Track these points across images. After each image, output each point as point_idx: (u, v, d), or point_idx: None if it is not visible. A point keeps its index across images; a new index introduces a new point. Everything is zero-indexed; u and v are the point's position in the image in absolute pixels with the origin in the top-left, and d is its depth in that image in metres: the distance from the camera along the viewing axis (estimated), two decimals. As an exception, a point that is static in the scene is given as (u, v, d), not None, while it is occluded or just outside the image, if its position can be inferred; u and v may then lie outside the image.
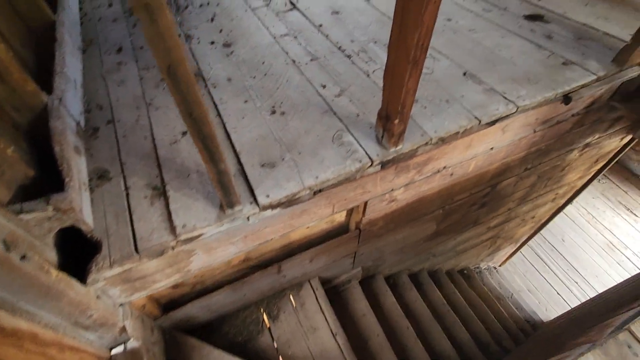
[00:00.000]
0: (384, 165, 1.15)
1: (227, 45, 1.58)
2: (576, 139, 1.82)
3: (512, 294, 3.39)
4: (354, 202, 1.26)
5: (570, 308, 3.58)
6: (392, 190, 1.32)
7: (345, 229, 1.52)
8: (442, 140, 1.21)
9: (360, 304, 1.79)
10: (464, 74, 1.42)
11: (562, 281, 4.04)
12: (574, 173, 2.34)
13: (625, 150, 2.42)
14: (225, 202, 0.95)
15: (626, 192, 4.96)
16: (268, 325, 1.54)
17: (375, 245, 1.73)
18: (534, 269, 4.12)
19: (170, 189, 1.03)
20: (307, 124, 1.22)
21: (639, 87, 1.63)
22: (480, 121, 1.24)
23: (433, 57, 1.51)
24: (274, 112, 1.27)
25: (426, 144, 1.18)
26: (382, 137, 1.15)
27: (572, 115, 1.57)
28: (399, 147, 1.14)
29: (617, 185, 4.99)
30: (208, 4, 1.86)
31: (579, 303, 3.51)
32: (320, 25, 1.71)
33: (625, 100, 1.65)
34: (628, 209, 4.79)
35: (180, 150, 1.14)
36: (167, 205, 0.99)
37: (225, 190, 0.91)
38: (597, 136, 1.94)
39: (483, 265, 3.42)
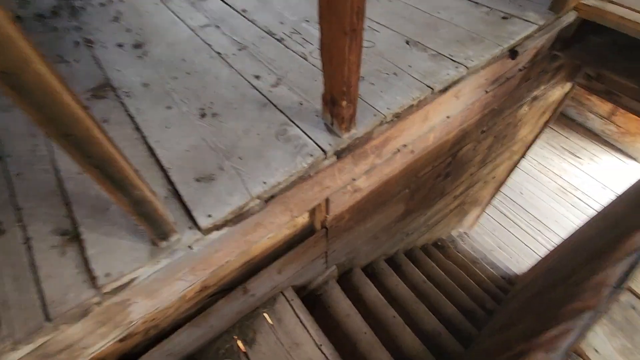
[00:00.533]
0: (339, 155, 1.01)
1: (138, 45, 1.35)
2: (524, 93, 1.80)
3: (485, 255, 3.47)
4: (314, 202, 1.12)
5: (539, 257, 3.73)
6: (353, 180, 1.20)
7: (310, 230, 1.38)
8: (398, 117, 1.10)
9: (342, 304, 1.67)
10: (407, 42, 1.32)
11: (527, 232, 4.21)
12: (526, 128, 2.37)
13: (567, 98, 2.49)
14: (156, 234, 0.77)
15: (568, 138, 5.26)
16: (244, 351, 1.38)
17: (346, 240, 1.61)
18: (500, 225, 4.26)
19: (85, 231, 0.83)
20: (245, 123, 1.05)
21: (575, 33, 1.62)
22: (433, 89, 1.14)
23: (372, 28, 1.40)
24: (204, 115, 1.09)
25: (381, 123, 1.06)
26: (332, 124, 1.01)
27: (519, 70, 1.53)
28: (352, 133, 1.01)
29: (559, 133, 5.29)
30: (111, 1, 1.60)
31: (547, 250, 3.66)
32: (244, 10, 1.53)
33: (564, 47, 1.64)
34: (572, 153, 5.09)
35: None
36: (82, 251, 0.79)
37: (152, 221, 0.73)
38: (542, 88, 1.94)
39: (454, 233, 3.46)
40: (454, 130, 1.50)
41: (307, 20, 1.44)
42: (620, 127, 5.01)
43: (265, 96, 1.13)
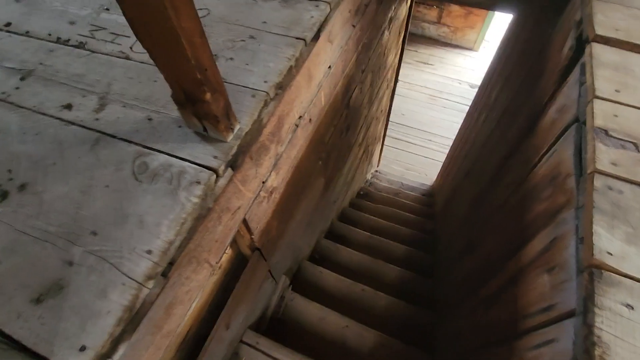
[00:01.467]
0: (234, 164, 0.74)
1: None
2: (382, 18, 1.72)
3: (401, 182, 3.63)
4: (230, 234, 0.84)
5: (440, 161, 4.08)
6: (264, 182, 0.94)
7: (241, 261, 1.10)
8: (281, 88, 0.86)
9: (310, 311, 1.47)
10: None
11: (421, 146, 4.56)
12: (391, 53, 2.37)
13: (411, 12, 2.56)
14: None
15: (416, 51, 5.75)
16: None
17: (284, 246, 1.38)
18: (399, 150, 4.52)
19: None
20: (79, 180, 0.69)
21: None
22: (305, 40, 0.92)
23: (198, -7, 1.08)
24: (5, 197, 0.68)
25: (265, 103, 0.81)
26: (206, 129, 0.72)
27: (373, -7, 1.41)
28: (237, 129, 0.74)
29: (408, 50, 5.72)
30: None
31: (444, 154, 4.00)
32: (8, 24, 1.04)
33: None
34: (424, 63, 5.60)
35: None
36: None
37: None
38: (394, 8, 1.90)
39: (369, 176, 3.51)
40: (339, 80, 1.33)
41: (107, 9, 1.05)
42: (450, 26, 5.64)
43: (92, 129, 0.77)
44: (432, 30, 5.77)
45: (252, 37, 0.94)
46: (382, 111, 2.92)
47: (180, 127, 0.76)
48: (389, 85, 2.80)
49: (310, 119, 1.15)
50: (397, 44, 2.48)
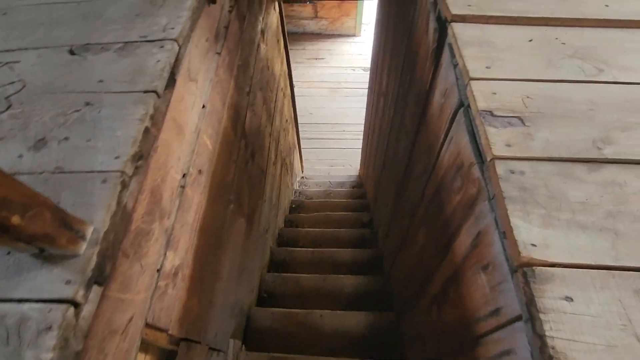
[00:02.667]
0: (99, 278, 0.57)
1: None
2: (252, 32, 1.61)
3: (329, 181, 3.62)
4: (131, 352, 0.66)
5: (358, 149, 4.16)
6: (159, 270, 0.78)
7: (169, 356, 0.91)
8: (141, 157, 0.70)
9: (270, 365, 1.33)
10: (71, 52, 0.86)
11: (337, 139, 4.61)
12: (276, 63, 2.29)
13: (283, 17, 2.50)
14: None
15: (304, 49, 5.80)
16: None
17: (217, 314, 1.21)
18: (318, 149, 4.51)
19: None
20: None
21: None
22: (156, 92, 0.77)
23: (5, 63, 0.86)
24: None
25: (124, 184, 0.65)
26: (42, 249, 0.54)
27: (230, 12, 1.29)
28: (90, 233, 0.57)
29: (294, 49, 5.74)
30: None
31: (359, 141, 4.08)
32: None
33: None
34: (315, 58, 5.67)
35: None
36: None
37: None
38: (260, 19, 1.80)
39: (296, 187, 3.43)
40: (223, 114, 1.20)
41: None
42: (327, 18, 5.79)
43: None
44: (311, 25, 5.87)
45: (88, 103, 0.76)
46: (287, 120, 2.84)
47: (8, 253, 0.57)
48: (285, 93, 2.73)
49: (199, 171, 0.99)
50: (279, 52, 2.41)
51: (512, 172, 0.62)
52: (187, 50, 0.91)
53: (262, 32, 1.83)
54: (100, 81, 0.80)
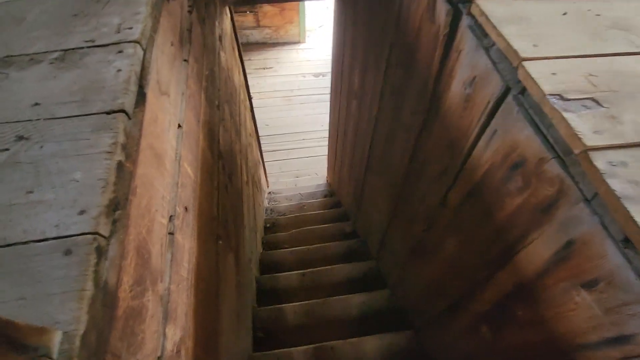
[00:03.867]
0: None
1: None
2: (212, 38, 1.41)
3: (299, 193, 3.44)
4: None
5: (324, 156, 4.03)
6: (159, 358, 0.55)
7: None
8: (118, 206, 0.48)
9: None
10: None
11: (298, 148, 4.45)
12: (235, 73, 2.08)
13: (234, 23, 2.30)
14: None
15: (250, 59, 5.58)
16: None
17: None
18: (281, 160, 4.31)
19: None
20: None
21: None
22: (124, 110, 0.55)
23: None
24: None
25: (100, 252, 0.43)
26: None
27: (189, 12, 1.08)
28: (55, 344, 0.35)
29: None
30: None
31: (325, 147, 3.96)
32: None
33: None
34: (264, 68, 5.48)
35: None
36: None
37: None
38: (217, 23, 1.60)
39: (266, 204, 3.20)
40: (199, 133, 0.98)
41: None
42: (270, 27, 5.64)
43: None
44: (255, 35, 5.68)
45: (22, 137, 0.52)
46: (250, 134, 2.62)
47: None
48: (246, 105, 2.52)
49: (186, 208, 0.78)
50: (235, 60, 2.20)
51: (613, 164, 0.51)
52: (154, 56, 0.70)
53: (220, 38, 1.62)
54: (36, 104, 0.57)
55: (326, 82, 5.14)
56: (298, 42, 5.88)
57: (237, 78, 2.16)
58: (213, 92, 1.26)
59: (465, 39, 0.79)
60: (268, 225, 2.75)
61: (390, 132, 1.44)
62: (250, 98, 2.77)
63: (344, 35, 2.08)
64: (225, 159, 1.36)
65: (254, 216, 2.20)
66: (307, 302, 1.68)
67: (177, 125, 0.79)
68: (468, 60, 0.79)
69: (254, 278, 1.87)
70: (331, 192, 3.37)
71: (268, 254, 2.22)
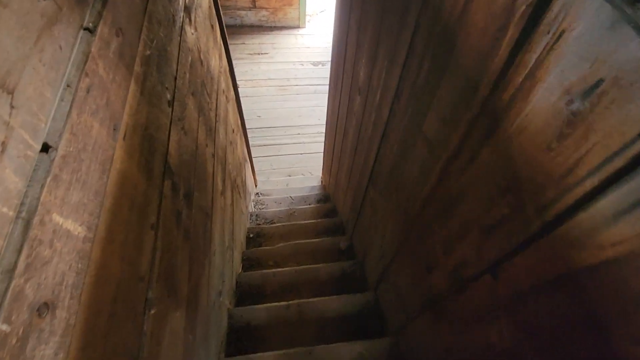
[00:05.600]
0: None
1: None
2: (167, 7, 1.02)
3: (289, 196, 3.08)
4: None
5: (320, 153, 3.67)
6: None
7: None
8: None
9: None
10: None
11: (292, 143, 4.07)
12: (213, 56, 1.70)
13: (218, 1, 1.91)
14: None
15: (244, 43, 5.15)
16: None
17: None
18: (272, 156, 3.94)
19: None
20: None
21: None
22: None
23: None
24: None
25: None
26: None
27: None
28: None
29: (234, 44, 5.08)
30: None
31: (321, 143, 3.59)
32: None
33: None
34: (258, 54, 5.05)
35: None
36: None
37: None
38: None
39: (251, 209, 2.84)
40: (110, 149, 0.61)
41: None
42: (267, 8, 5.19)
43: None
44: (250, 16, 5.23)
45: None
46: (234, 130, 2.25)
47: None
48: (229, 96, 2.13)
49: (47, 305, 0.42)
50: (215, 42, 1.81)
51: None
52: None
53: (187, 9, 1.24)
54: None
55: (325, 72, 4.73)
56: (297, 27, 5.44)
57: (216, 64, 1.78)
58: (162, 81, 0.89)
59: (579, 10, 0.43)
60: (251, 235, 2.39)
61: (406, 143, 1.08)
62: (235, 87, 2.38)
63: (348, 15, 1.70)
64: (180, 174, 1.00)
65: (232, 231, 1.84)
66: (288, 350, 1.35)
67: (39, 148, 0.43)
68: (581, 50, 0.43)
69: (225, 313, 1.52)
70: (326, 197, 3.02)
71: (247, 276, 1.87)
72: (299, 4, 5.15)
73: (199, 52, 1.38)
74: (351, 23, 1.66)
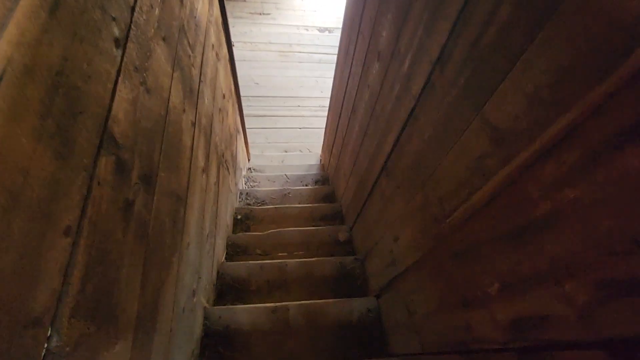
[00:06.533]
0: None
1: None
2: None
3: (284, 174, 2.80)
4: None
5: (321, 128, 3.37)
6: None
7: None
8: None
9: None
10: None
11: (291, 115, 3.74)
12: (200, 3, 1.36)
13: None
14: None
15: (245, 0, 4.68)
16: None
17: None
18: (268, 129, 3.62)
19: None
20: None
21: None
22: None
23: None
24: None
25: None
26: None
27: None
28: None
29: (234, 1, 4.61)
30: None
31: (324, 118, 3.29)
32: None
33: None
34: (260, 14, 4.61)
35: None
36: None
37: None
38: None
39: (242, 186, 2.56)
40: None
41: None
42: (273, -37, 4.68)
43: None
44: (254, -29, 4.72)
45: None
46: (224, 96, 1.92)
47: None
48: (220, 53, 1.80)
49: None
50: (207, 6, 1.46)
51: None
52: None
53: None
54: None
55: (333, 40, 4.32)
56: (304, -12, 4.95)
57: (204, 9, 1.44)
58: (102, 5, 0.58)
59: None
60: (239, 217, 2.13)
61: (448, 128, 0.80)
62: (230, 46, 2.04)
63: (373, -40, 1.36)
64: (134, 148, 0.71)
65: (215, 214, 1.57)
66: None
67: None
68: None
69: (199, 317, 1.27)
70: (324, 178, 2.75)
71: (231, 267, 1.62)
72: (308, -39, 4.65)
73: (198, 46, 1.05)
74: (376, -30, 1.32)
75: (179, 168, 1.03)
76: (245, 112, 3.43)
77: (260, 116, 3.66)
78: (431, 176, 0.90)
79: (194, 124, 1.20)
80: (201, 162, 1.32)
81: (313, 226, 2.10)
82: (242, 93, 3.72)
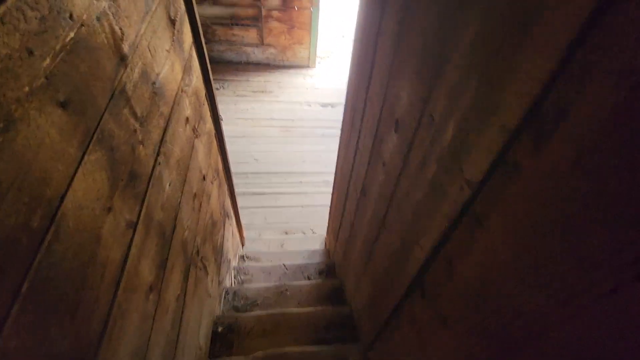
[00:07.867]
0: None
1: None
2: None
3: (283, 265, 2.35)
4: None
5: (325, 206, 3.00)
6: None
7: None
8: None
9: None
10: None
11: (293, 193, 3.41)
12: (166, 68, 1.09)
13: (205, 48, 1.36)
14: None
15: (248, 80, 4.71)
16: None
17: None
18: (266, 208, 3.26)
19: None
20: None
21: None
22: None
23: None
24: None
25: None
26: None
27: None
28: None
29: (236, 81, 4.64)
30: None
31: (328, 195, 2.94)
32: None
33: None
34: (262, 92, 4.59)
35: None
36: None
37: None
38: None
39: (229, 283, 2.10)
40: None
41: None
42: (276, 46, 4.83)
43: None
44: (257, 54, 4.85)
45: None
46: (205, 177, 1.59)
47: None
48: (199, 128, 1.50)
49: None
50: (177, 44, 1.22)
51: None
52: None
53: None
54: None
55: (335, 115, 4.20)
56: (307, 67, 5.05)
57: (174, 76, 1.17)
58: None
59: None
60: (220, 329, 1.63)
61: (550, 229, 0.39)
62: (217, 119, 1.77)
63: (380, 14, 1.10)
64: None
65: (175, 343, 1.10)
66: None
67: None
68: None
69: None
70: (330, 268, 2.28)
71: None
72: (309, 43, 4.79)
73: (113, 32, 0.75)
74: (384, 24, 1.06)
75: (86, 301, 0.62)
76: (242, 189, 3.11)
77: (259, 194, 3.34)
78: (514, 304, 0.47)
79: (132, 225, 0.82)
80: (147, 277, 0.91)
81: (315, 340, 1.59)
82: (239, 170, 3.45)
